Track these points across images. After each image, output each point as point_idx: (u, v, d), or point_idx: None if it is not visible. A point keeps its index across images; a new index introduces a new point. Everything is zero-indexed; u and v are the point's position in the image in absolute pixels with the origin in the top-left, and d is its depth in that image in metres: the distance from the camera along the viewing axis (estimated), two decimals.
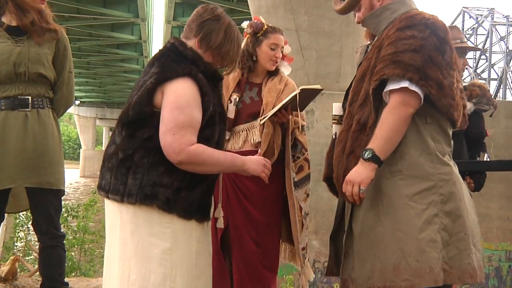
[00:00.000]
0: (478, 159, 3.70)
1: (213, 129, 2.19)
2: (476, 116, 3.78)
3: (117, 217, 2.14)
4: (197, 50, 2.23)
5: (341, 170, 2.32)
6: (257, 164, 2.27)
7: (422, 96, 2.22)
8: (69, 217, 11.09)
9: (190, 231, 2.14)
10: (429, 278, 2.16)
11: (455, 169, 2.34)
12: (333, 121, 2.59)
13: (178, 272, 2.09)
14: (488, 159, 3.77)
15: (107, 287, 2.22)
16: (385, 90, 2.25)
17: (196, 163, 2.09)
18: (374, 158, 2.17)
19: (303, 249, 3.12)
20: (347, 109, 2.40)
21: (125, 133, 2.14)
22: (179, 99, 2.08)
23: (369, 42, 2.57)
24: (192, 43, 2.25)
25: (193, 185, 2.14)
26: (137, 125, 2.12)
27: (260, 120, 3.01)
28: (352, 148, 2.30)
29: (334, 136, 2.54)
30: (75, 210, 11.44)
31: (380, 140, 2.19)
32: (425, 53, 2.20)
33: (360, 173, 2.19)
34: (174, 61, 2.17)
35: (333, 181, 2.49)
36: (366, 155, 2.18)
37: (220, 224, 2.57)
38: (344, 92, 2.57)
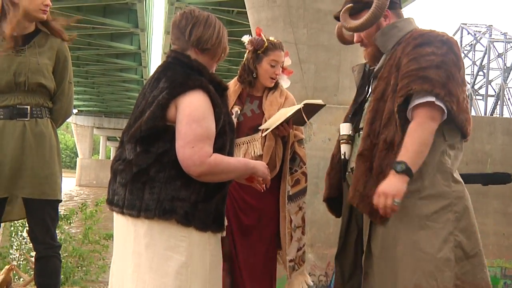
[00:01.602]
0: None
1: (225, 138, 2.20)
2: None
3: (131, 231, 2.13)
4: (197, 59, 2.24)
5: (370, 190, 2.27)
6: (264, 167, 2.33)
7: (446, 111, 2.23)
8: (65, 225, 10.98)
9: (204, 245, 2.14)
10: None
11: (464, 185, 2.36)
12: (342, 141, 2.53)
13: (193, 285, 2.09)
14: None
15: None
16: (410, 106, 2.25)
17: (216, 172, 2.11)
18: (408, 171, 2.15)
19: (291, 261, 3.13)
20: (367, 128, 2.36)
21: (139, 149, 2.13)
22: (195, 112, 2.09)
23: (366, 61, 2.59)
24: (190, 52, 2.24)
25: (209, 197, 2.15)
26: (151, 140, 2.12)
27: (262, 133, 3.02)
28: (381, 168, 2.27)
29: (343, 156, 2.50)
30: (70, 215, 11.32)
31: (411, 153, 2.18)
32: (447, 69, 2.24)
33: (394, 185, 2.15)
34: (182, 74, 2.17)
35: (333, 202, 2.52)
36: (399, 168, 2.15)
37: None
38: (344, 106, 2.57)
